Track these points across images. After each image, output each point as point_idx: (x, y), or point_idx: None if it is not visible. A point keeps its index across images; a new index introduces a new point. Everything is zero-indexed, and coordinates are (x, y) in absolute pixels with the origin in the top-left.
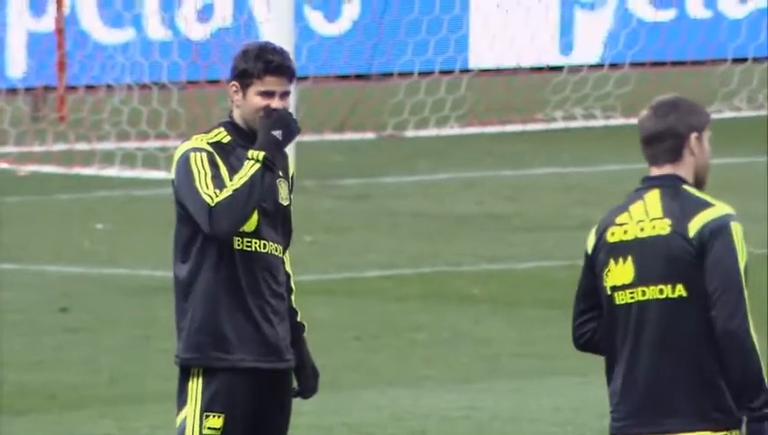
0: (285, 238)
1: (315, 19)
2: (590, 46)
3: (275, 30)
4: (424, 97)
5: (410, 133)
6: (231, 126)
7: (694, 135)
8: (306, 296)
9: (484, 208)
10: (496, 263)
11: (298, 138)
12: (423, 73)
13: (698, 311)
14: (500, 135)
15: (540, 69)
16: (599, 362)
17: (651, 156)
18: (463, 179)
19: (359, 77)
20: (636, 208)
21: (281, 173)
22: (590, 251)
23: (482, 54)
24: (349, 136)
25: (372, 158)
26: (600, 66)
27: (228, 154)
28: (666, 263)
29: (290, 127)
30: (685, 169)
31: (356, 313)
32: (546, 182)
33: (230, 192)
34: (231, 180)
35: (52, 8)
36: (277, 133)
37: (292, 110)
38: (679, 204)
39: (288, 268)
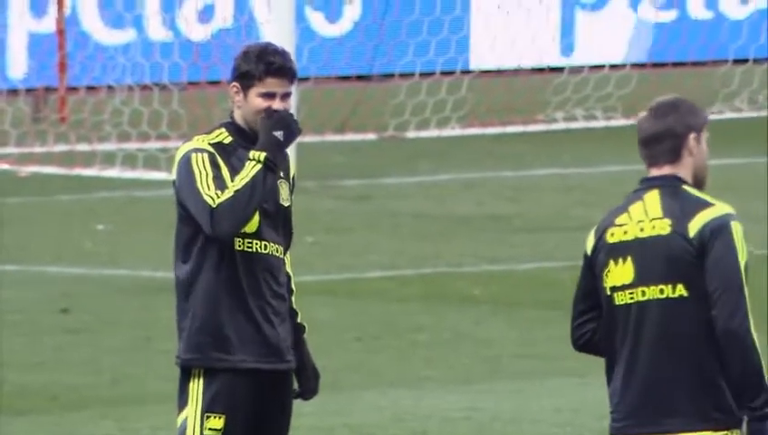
0: (286, 239)
1: (316, 20)
2: (590, 47)
3: (276, 31)
4: (425, 98)
5: (411, 134)
6: (232, 126)
7: (692, 135)
8: (307, 297)
9: (485, 209)
10: (497, 264)
11: (299, 138)
12: (424, 74)
13: (699, 310)
14: (501, 136)
15: (541, 70)
16: (599, 363)
17: (650, 157)
18: (464, 180)
19: (360, 78)
20: (635, 209)
21: (282, 174)
22: (589, 252)
23: (483, 55)
24: (350, 137)
25: (373, 158)
26: (600, 67)
27: (230, 155)
28: (666, 263)
29: (291, 128)
30: (684, 170)
31: (357, 313)
32: (547, 183)
33: (231, 193)
34: (232, 181)
35: (52, 9)
36: (278, 134)
37: (293, 111)
38: (679, 204)
39: (289, 269)
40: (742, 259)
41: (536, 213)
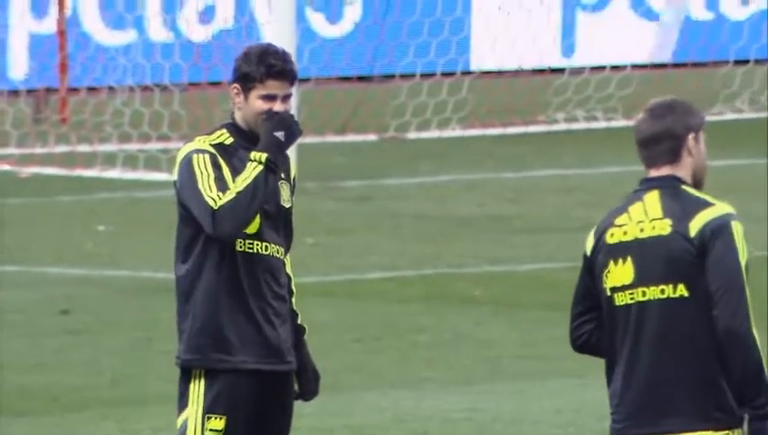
0: (287, 240)
1: (317, 21)
2: (591, 48)
3: (277, 32)
4: (426, 99)
5: (412, 135)
6: (233, 127)
7: (691, 136)
8: (308, 298)
9: (485, 210)
10: (498, 265)
11: (300, 139)
12: (425, 75)
13: (699, 310)
14: (502, 137)
15: (541, 71)
16: (599, 364)
17: (649, 158)
18: (464, 181)
19: (360, 79)
20: (635, 209)
21: (282, 175)
22: (588, 253)
23: (484, 56)
24: (350, 138)
25: (374, 159)
26: (601, 68)
27: (231, 156)
28: (667, 263)
29: (292, 129)
30: (683, 170)
31: (358, 314)
32: (548, 184)
33: (233, 195)
34: (234, 182)
35: (53, 10)
36: (279, 135)
37: (293, 112)
38: (679, 204)
39: (289, 271)
40: (743, 259)
41: (537, 214)
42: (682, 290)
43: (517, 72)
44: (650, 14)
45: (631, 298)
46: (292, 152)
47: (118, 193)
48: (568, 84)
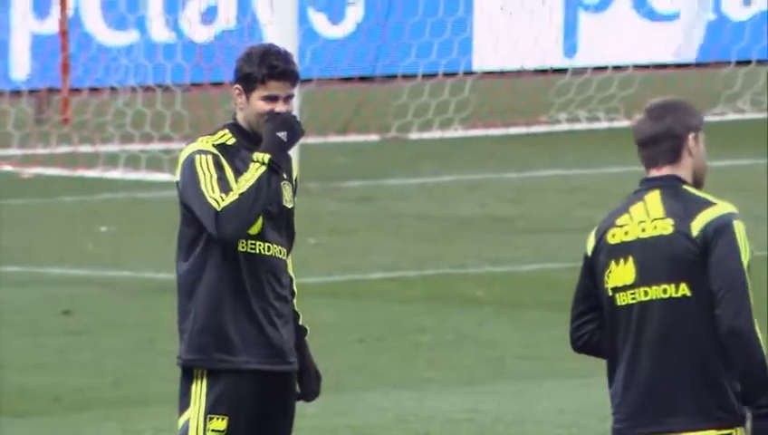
0: (289, 241)
1: (319, 21)
2: (593, 48)
3: (279, 32)
4: (428, 99)
5: (414, 135)
6: (235, 128)
7: (692, 136)
8: (310, 298)
9: (487, 211)
10: (500, 265)
11: (301, 140)
12: (427, 76)
13: (701, 309)
14: (504, 137)
15: (544, 71)
16: (602, 364)
17: (649, 158)
18: (467, 182)
19: (362, 79)
20: (636, 209)
21: (285, 175)
22: (589, 253)
23: (486, 57)
24: (352, 138)
25: (376, 160)
26: (603, 68)
27: (233, 156)
28: (669, 262)
29: (294, 129)
30: (684, 170)
31: (360, 315)
32: (550, 184)
33: (236, 196)
34: (236, 183)
35: (55, 10)
36: (282, 135)
37: (295, 112)
38: (681, 203)
39: (290, 271)
40: (745, 258)
41: (539, 214)
42: (684, 289)
43: (519, 73)
44: (652, 15)
45: (633, 298)
46: (293, 153)
47: (120, 193)
48: (570, 84)
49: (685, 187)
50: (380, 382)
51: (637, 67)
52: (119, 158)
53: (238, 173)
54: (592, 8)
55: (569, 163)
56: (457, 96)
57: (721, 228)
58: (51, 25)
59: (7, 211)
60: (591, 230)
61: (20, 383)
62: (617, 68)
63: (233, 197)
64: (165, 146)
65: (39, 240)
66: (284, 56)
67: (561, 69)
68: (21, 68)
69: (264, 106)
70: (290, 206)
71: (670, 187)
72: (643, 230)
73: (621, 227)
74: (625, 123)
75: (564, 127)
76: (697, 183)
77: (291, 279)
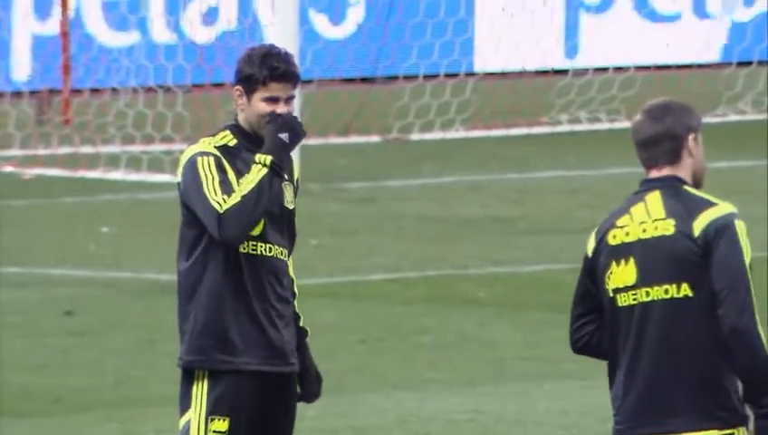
0: (290, 242)
1: (320, 22)
2: (594, 49)
3: (280, 33)
4: (429, 100)
5: (415, 136)
6: (236, 129)
7: (692, 136)
8: (311, 300)
9: (489, 212)
10: (502, 266)
11: (303, 141)
12: (428, 77)
13: (703, 310)
14: (505, 138)
15: (545, 72)
16: (603, 365)
17: (649, 159)
18: (468, 183)
19: (364, 80)
20: (637, 210)
21: (286, 176)
22: (590, 254)
23: (487, 58)
24: (354, 139)
25: (377, 161)
26: (604, 69)
27: (235, 157)
28: (670, 263)
29: (296, 130)
30: (684, 171)
31: (361, 316)
32: (551, 185)
33: (239, 198)
34: (238, 184)
35: (57, 11)
36: (283, 137)
37: (296, 113)
38: (682, 204)
39: (291, 273)
40: (747, 258)
41: (541, 215)
42: (686, 290)
43: (521, 74)
44: (654, 16)
45: (634, 299)
46: (295, 154)
47: (121, 194)
48: (571, 85)
49: (685, 187)
50: (382, 383)
51: (638, 68)
52: (120, 159)
53: (240, 174)
54: (593, 9)
55: (570, 164)
56: (459, 97)
57: (722, 228)
58: (52, 26)
59: (8, 212)
60: (593, 231)
61: (21, 384)
62: (618, 69)
63: (235, 199)
64: (166, 147)
65: (40, 241)
66: (285, 57)
67: (562, 70)
68: (22, 69)
69: (266, 107)
70: (291, 207)
71: (671, 187)
72: (644, 231)
73: (622, 227)
74: (626, 124)
75: (566, 128)
76: (697, 184)
77: (292, 280)
